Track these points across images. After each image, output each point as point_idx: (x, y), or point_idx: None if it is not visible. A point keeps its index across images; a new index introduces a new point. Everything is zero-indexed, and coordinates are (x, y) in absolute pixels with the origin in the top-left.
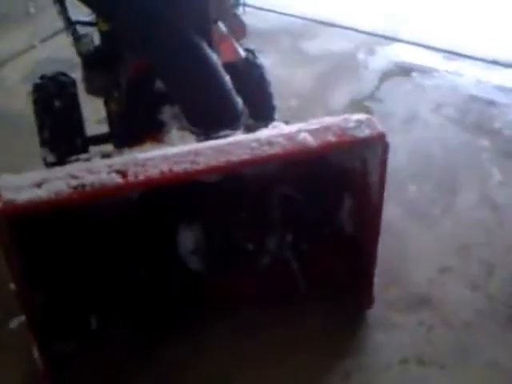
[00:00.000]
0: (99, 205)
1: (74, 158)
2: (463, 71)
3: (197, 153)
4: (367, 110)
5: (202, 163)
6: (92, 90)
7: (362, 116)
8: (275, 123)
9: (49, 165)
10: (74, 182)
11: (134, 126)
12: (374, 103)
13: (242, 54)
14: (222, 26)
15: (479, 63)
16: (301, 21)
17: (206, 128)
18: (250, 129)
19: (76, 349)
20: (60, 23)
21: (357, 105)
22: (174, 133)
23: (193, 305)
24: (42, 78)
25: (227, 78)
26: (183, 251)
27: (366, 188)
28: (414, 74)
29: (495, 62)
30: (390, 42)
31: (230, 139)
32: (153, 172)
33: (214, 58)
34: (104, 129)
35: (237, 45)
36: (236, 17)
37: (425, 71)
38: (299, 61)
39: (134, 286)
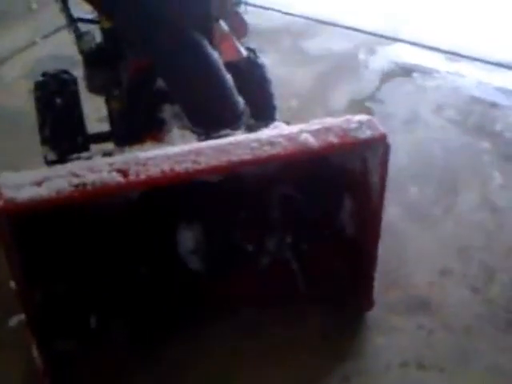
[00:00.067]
0: (100, 203)
1: (74, 156)
2: (465, 72)
3: (198, 152)
4: (368, 111)
5: (203, 163)
6: (93, 88)
7: (363, 117)
8: (276, 123)
9: (50, 163)
10: (75, 181)
11: (135, 125)
12: (375, 104)
13: (244, 53)
14: (223, 24)
15: (481, 64)
16: (301, 20)
17: (207, 127)
18: (250, 129)
19: (76, 347)
20: (62, 19)
21: (357, 105)
22: (175, 132)
23: (193, 305)
24: (43, 75)
25: (228, 77)
26: (183, 251)
27: (367, 189)
28: (414, 75)
29: (497, 64)
30: (391, 42)
31: (231, 139)
32: (154, 171)
33: (216, 56)
34: (105, 127)
35: (238, 44)
36: (237, 15)
37: (426, 72)
38: (299, 60)
39: (134, 285)
